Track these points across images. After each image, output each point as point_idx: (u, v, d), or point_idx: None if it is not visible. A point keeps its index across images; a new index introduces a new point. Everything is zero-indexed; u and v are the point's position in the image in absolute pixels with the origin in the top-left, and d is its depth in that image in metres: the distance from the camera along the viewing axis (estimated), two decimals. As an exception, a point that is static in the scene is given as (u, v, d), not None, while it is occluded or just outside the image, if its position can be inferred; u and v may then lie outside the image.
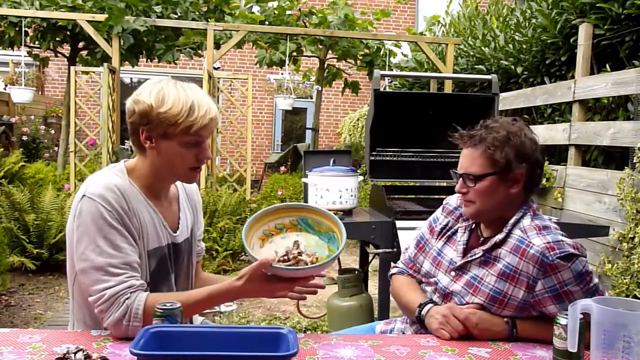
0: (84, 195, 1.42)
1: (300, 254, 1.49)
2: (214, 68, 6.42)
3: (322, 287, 1.53)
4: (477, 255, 1.59)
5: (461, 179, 1.60)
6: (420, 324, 1.61)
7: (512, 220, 1.57)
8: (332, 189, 2.81)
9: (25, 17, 6.22)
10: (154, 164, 1.50)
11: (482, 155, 1.55)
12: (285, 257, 1.47)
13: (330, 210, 2.80)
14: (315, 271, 1.44)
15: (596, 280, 1.50)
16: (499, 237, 1.56)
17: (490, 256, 1.57)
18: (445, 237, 1.74)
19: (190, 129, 1.43)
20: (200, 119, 1.43)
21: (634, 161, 3.25)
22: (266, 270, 1.39)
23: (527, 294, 1.49)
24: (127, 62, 6.75)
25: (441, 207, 1.82)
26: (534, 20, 4.95)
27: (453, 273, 1.63)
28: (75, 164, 5.77)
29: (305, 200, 3.08)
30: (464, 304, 1.56)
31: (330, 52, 7.10)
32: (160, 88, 1.45)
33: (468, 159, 1.59)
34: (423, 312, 1.59)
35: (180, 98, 1.43)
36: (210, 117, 1.45)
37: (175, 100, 1.43)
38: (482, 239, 1.64)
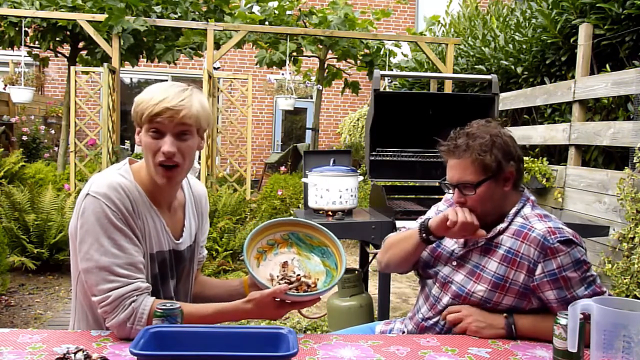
0: (87, 194, 1.41)
1: (299, 277, 1.53)
2: (214, 68, 6.42)
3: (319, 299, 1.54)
4: (479, 243, 1.61)
5: (457, 189, 1.61)
6: (426, 232, 1.62)
7: (513, 210, 1.61)
8: (332, 189, 2.81)
9: (25, 17, 6.22)
10: (145, 161, 1.51)
11: (473, 163, 1.57)
12: (287, 281, 1.50)
13: (330, 210, 2.82)
14: (324, 293, 1.49)
15: (594, 272, 1.53)
16: (502, 226, 1.59)
17: (491, 244, 1.59)
18: None
19: (143, 115, 1.43)
20: (153, 106, 1.41)
21: (634, 161, 3.25)
22: (279, 297, 1.43)
23: (527, 278, 1.52)
24: (127, 62, 6.74)
25: (443, 199, 1.86)
26: (534, 20, 4.95)
27: (454, 263, 1.65)
28: (75, 164, 5.77)
29: (305, 200, 3.07)
30: (465, 292, 1.58)
31: (330, 52, 7.09)
32: (151, 87, 1.48)
33: (459, 169, 1.60)
34: (426, 222, 1.62)
35: (151, 91, 1.45)
36: (167, 105, 1.40)
37: (146, 93, 1.46)
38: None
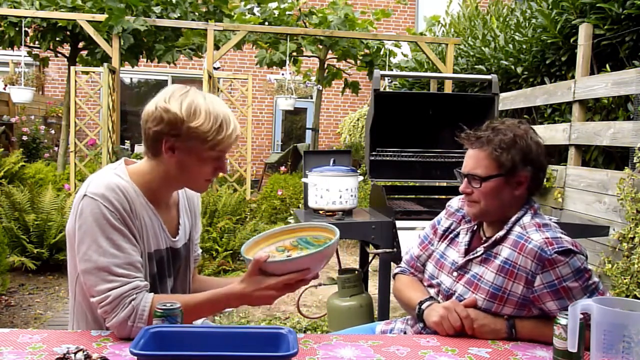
0: (85, 195, 1.41)
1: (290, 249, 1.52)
2: (214, 68, 6.42)
3: (317, 277, 1.48)
4: (478, 253, 1.60)
5: (466, 179, 1.61)
6: (419, 319, 1.62)
7: (513, 219, 1.59)
8: (332, 189, 2.81)
9: (25, 17, 6.22)
10: (169, 173, 1.49)
11: (488, 157, 1.56)
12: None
13: (330, 210, 2.82)
14: (312, 260, 1.40)
15: (596, 279, 1.50)
16: (500, 234, 1.58)
17: (490, 253, 1.58)
18: (447, 239, 1.75)
19: (217, 146, 1.45)
20: (227, 137, 1.45)
21: (634, 161, 3.25)
22: (262, 266, 1.40)
23: (526, 290, 1.50)
24: (127, 62, 6.75)
25: (444, 210, 1.83)
26: (534, 20, 4.95)
27: (455, 273, 1.64)
28: (75, 164, 5.77)
29: (305, 200, 3.07)
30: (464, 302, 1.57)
31: (330, 52, 7.10)
32: (191, 100, 1.43)
33: (473, 160, 1.59)
34: (423, 307, 1.60)
35: (210, 113, 1.43)
36: (237, 134, 1.48)
37: (206, 115, 1.42)
38: (484, 238, 1.65)
